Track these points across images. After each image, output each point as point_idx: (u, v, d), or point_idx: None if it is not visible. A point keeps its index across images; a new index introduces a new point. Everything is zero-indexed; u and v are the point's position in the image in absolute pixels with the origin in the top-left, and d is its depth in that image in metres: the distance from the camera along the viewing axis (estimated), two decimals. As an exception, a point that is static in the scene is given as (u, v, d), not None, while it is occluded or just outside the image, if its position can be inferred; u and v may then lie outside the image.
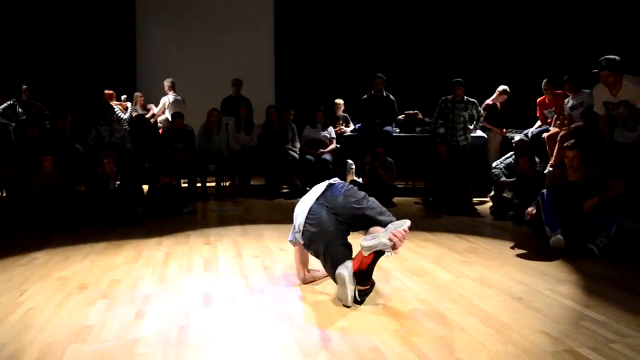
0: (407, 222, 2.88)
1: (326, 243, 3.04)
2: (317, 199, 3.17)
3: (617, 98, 5.25)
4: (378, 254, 2.87)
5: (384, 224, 2.94)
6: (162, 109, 8.66)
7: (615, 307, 2.95)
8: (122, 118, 8.14)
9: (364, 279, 2.94)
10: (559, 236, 4.16)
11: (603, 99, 5.36)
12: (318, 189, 3.27)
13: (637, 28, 7.55)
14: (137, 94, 8.95)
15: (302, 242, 3.20)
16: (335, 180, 3.36)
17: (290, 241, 3.39)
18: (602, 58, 5.12)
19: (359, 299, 2.96)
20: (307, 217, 3.13)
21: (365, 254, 2.86)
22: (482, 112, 7.18)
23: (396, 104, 7.58)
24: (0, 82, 8.18)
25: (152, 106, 8.86)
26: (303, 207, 3.21)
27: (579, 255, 4.08)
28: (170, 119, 7.94)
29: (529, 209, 4.73)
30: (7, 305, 3.04)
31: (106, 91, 8.48)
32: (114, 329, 2.67)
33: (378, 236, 2.82)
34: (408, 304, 3.03)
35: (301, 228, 3.16)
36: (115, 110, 7.94)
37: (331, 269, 3.04)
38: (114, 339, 2.55)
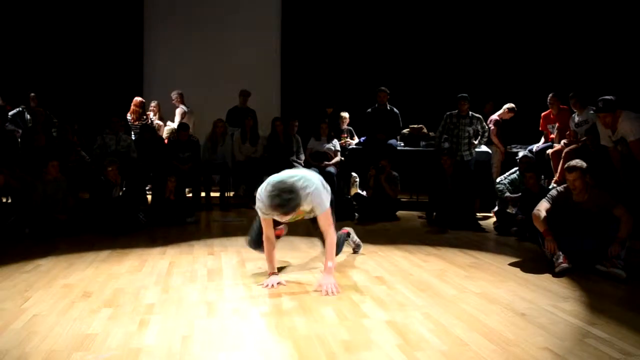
0: None
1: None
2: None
3: (615, 136, 5.27)
4: None
5: None
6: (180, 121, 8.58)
7: (619, 325, 2.93)
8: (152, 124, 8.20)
9: None
10: (565, 265, 4.02)
11: (607, 134, 5.38)
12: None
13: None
14: (153, 102, 8.92)
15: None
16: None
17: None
18: (599, 99, 5.13)
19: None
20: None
21: None
22: (486, 127, 7.19)
23: (400, 117, 7.60)
24: (10, 89, 8.24)
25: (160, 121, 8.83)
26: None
27: (583, 272, 4.06)
28: (175, 129, 7.96)
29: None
30: (11, 312, 3.05)
31: (137, 98, 8.34)
32: (118, 338, 2.67)
33: None
34: (411, 319, 3.03)
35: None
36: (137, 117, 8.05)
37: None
38: (117, 348, 2.55)
